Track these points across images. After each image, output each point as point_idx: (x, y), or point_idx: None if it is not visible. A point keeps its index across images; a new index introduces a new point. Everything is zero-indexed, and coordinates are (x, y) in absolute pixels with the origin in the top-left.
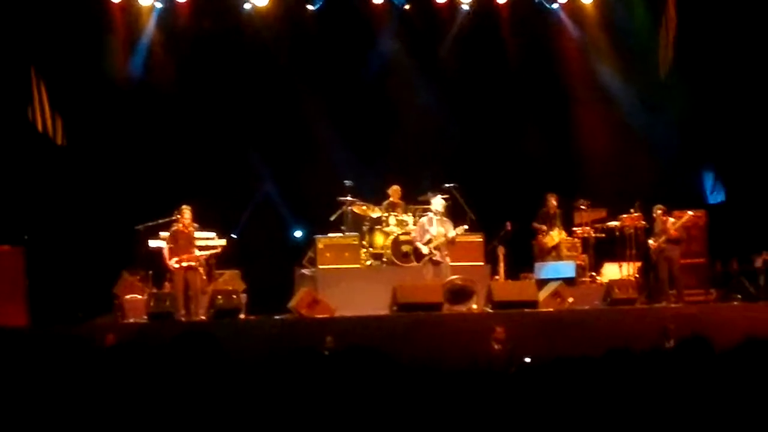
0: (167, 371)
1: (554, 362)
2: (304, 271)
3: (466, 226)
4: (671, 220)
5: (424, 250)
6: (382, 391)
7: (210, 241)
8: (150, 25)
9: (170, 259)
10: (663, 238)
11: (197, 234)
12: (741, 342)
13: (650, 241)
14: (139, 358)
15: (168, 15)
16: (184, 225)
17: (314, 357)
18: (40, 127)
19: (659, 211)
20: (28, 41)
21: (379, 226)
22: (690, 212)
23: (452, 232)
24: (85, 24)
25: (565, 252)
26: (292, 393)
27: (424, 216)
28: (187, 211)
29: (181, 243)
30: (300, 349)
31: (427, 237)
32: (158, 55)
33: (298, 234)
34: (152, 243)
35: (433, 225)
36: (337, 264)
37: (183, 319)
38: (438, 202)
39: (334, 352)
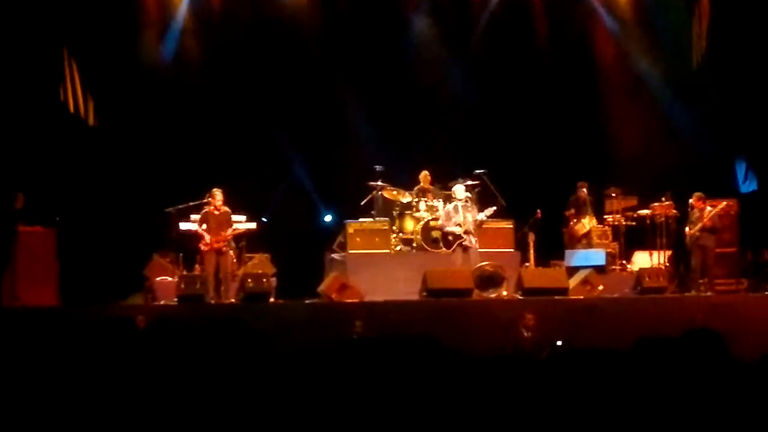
0: (199, 354)
1: (584, 351)
2: (334, 255)
3: (494, 208)
4: (709, 208)
5: (457, 230)
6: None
7: (240, 224)
8: (182, 7)
9: (206, 240)
10: (699, 225)
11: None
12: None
13: (686, 229)
14: (171, 339)
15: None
16: (215, 207)
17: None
18: (71, 108)
19: (696, 199)
20: (61, 22)
21: (409, 212)
22: (724, 201)
23: (481, 215)
24: (117, 5)
25: (595, 240)
26: (329, 379)
27: (450, 203)
28: (218, 194)
29: (212, 225)
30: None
31: (454, 223)
32: (190, 38)
33: (328, 218)
34: (183, 225)
35: (458, 212)
36: (367, 249)
37: (213, 301)
38: (461, 190)
39: (364, 337)
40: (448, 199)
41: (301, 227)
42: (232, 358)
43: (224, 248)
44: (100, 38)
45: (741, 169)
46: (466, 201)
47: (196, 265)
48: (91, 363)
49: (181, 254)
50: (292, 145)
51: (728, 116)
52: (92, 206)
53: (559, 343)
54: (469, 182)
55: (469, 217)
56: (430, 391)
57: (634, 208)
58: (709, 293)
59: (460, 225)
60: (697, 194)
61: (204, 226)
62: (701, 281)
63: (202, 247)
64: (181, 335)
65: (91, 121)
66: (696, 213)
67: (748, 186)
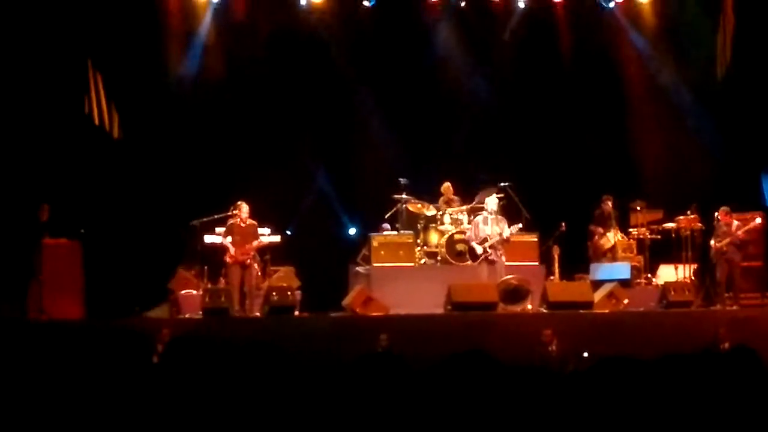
0: (224, 369)
1: (607, 363)
2: (359, 268)
3: (520, 225)
4: (736, 222)
5: (479, 249)
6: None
7: (265, 237)
8: (206, 19)
9: (231, 252)
10: (727, 240)
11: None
12: None
13: (712, 242)
14: (196, 353)
15: (224, 9)
16: (241, 219)
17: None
18: (96, 120)
19: (723, 213)
20: (85, 34)
21: (433, 225)
22: (756, 216)
23: (507, 231)
24: (141, 18)
25: (620, 253)
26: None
27: (479, 215)
28: (244, 206)
29: (237, 238)
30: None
31: (482, 236)
32: (214, 50)
33: (352, 231)
34: (208, 238)
35: (488, 224)
36: (391, 262)
37: (238, 315)
38: (492, 201)
39: (389, 350)
40: (473, 211)
41: (326, 240)
42: (255, 376)
43: (249, 261)
44: (124, 51)
45: (766, 183)
46: (495, 213)
47: (221, 278)
48: (113, 376)
49: (206, 267)
50: (316, 158)
51: (753, 129)
52: (117, 219)
53: (585, 354)
54: (496, 195)
55: (497, 229)
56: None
57: (659, 222)
58: (734, 307)
59: (486, 239)
60: (724, 208)
61: (229, 238)
62: (727, 295)
63: (228, 260)
64: (202, 350)
65: (115, 133)
66: (722, 227)
67: None
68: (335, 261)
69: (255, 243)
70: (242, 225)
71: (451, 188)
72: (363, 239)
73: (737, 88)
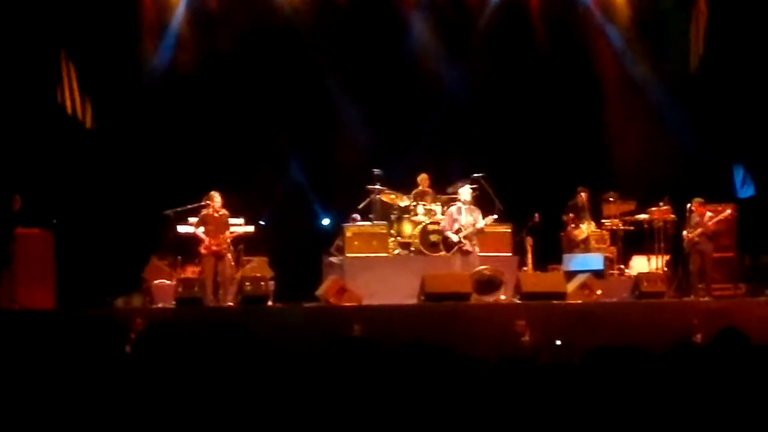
0: (197, 358)
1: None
2: (332, 259)
3: (495, 216)
4: (709, 213)
5: (454, 238)
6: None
7: (239, 227)
8: (180, 9)
9: (205, 243)
10: (699, 231)
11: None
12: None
13: (684, 233)
14: (169, 343)
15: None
16: (214, 209)
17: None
18: (69, 110)
19: (696, 204)
20: (58, 24)
21: (407, 215)
22: (727, 208)
23: (481, 222)
24: (115, 8)
25: (593, 244)
26: (329, 382)
27: (452, 205)
28: (217, 197)
29: (211, 228)
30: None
31: (456, 226)
32: (187, 40)
33: (325, 222)
34: (181, 228)
35: (462, 214)
36: (365, 252)
37: (211, 305)
38: (466, 192)
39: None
40: (447, 202)
41: (299, 230)
42: (228, 361)
43: (222, 251)
44: (97, 40)
45: (738, 174)
46: (469, 203)
47: (188, 267)
48: (85, 366)
49: (179, 257)
50: (290, 148)
51: (726, 120)
52: (90, 209)
53: (558, 342)
54: (468, 185)
55: (471, 219)
56: (434, 394)
57: (632, 213)
58: (707, 298)
59: (461, 230)
60: (698, 199)
61: (202, 228)
62: (699, 286)
63: (201, 250)
64: (176, 339)
65: (88, 123)
66: (696, 218)
67: (745, 191)
68: (309, 251)
69: (229, 233)
70: (215, 215)
71: (427, 180)
72: (337, 230)
73: (710, 81)
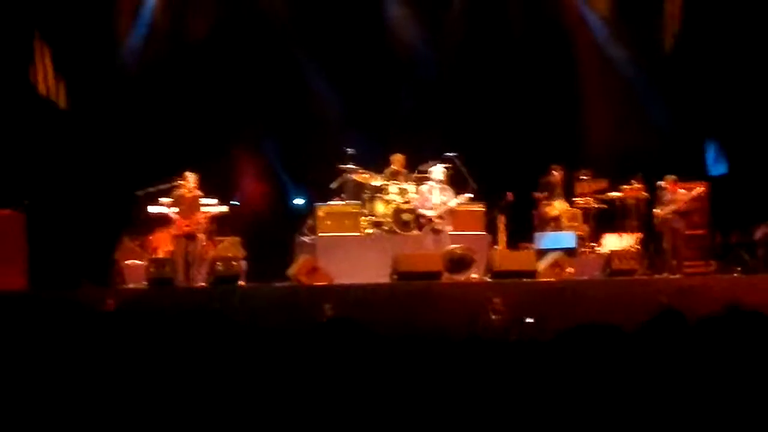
0: (169, 338)
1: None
2: (304, 238)
3: (470, 195)
4: (681, 191)
5: (429, 213)
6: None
7: (211, 207)
8: None
9: (177, 223)
10: (671, 207)
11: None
12: (721, 312)
13: (656, 210)
14: (140, 323)
15: None
16: (188, 189)
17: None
18: (42, 90)
19: (670, 182)
20: (33, 5)
21: (380, 195)
22: (699, 186)
23: (454, 201)
24: None
25: (565, 222)
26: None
27: (424, 184)
28: (190, 177)
29: (183, 208)
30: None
31: (429, 205)
32: (161, 20)
33: (298, 201)
34: (152, 209)
35: (433, 193)
36: (337, 232)
37: (182, 285)
38: (438, 171)
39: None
40: (420, 181)
41: (271, 210)
42: (200, 344)
43: (194, 231)
44: (71, 20)
45: (711, 152)
46: (442, 182)
47: (159, 248)
48: (56, 346)
49: (150, 237)
50: (263, 128)
51: (698, 99)
52: (62, 189)
53: (528, 320)
54: (442, 164)
55: (444, 198)
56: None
57: (605, 191)
58: (678, 275)
59: (433, 208)
60: (670, 177)
61: (174, 209)
62: (672, 263)
63: (173, 231)
64: (148, 320)
65: (62, 103)
66: (668, 195)
67: (717, 169)
68: (281, 231)
69: (202, 213)
70: (187, 195)
71: (402, 160)
72: (309, 209)
73: (683, 59)
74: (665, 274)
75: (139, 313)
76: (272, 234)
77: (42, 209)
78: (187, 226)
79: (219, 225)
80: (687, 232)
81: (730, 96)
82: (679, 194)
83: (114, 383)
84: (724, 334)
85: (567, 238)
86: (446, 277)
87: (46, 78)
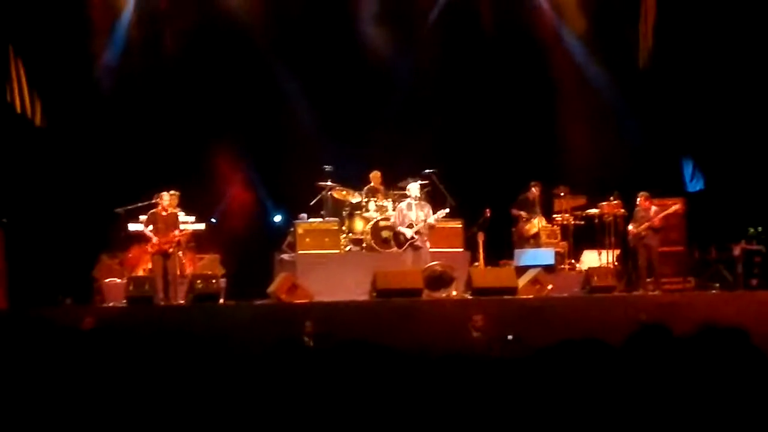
0: (149, 358)
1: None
2: (284, 256)
3: (446, 210)
4: (654, 208)
5: (407, 233)
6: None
7: (189, 225)
8: (129, 6)
9: (153, 241)
10: (645, 225)
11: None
12: (698, 330)
13: (630, 227)
14: (119, 342)
15: None
16: (163, 208)
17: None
18: (18, 107)
19: (642, 198)
20: (6, 21)
21: (358, 212)
22: (674, 203)
23: (432, 217)
24: (64, 5)
25: (544, 239)
26: (278, 384)
27: (403, 201)
28: (165, 195)
29: (160, 227)
30: (284, 341)
31: (407, 222)
32: (137, 38)
33: (277, 219)
34: (132, 226)
35: (412, 210)
36: (316, 249)
37: (162, 303)
38: (415, 188)
39: (315, 338)
40: (399, 198)
41: (251, 228)
42: (177, 365)
43: (172, 249)
44: (46, 37)
45: (688, 169)
46: (419, 199)
47: (139, 266)
48: (35, 365)
49: (129, 255)
50: (242, 146)
51: (675, 115)
52: (40, 207)
53: (510, 337)
54: (419, 182)
55: (422, 215)
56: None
57: (583, 208)
58: (656, 292)
59: (412, 225)
60: (643, 193)
61: (151, 227)
62: (648, 280)
63: (150, 249)
64: (126, 339)
65: (38, 121)
66: (641, 212)
67: (694, 185)
68: (260, 248)
69: (179, 231)
70: (163, 213)
71: (379, 177)
72: (288, 226)
73: (659, 76)
74: (641, 291)
75: (117, 331)
76: (252, 251)
77: (20, 227)
78: (165, 244)
79: (198, 242)
80: (665, 249)
81: (706, 113)
82: (653, 211)
83: (92, 402)
84: (700, 353)
85: (546, 255)
86: (426, 294)
87: (21, 95)
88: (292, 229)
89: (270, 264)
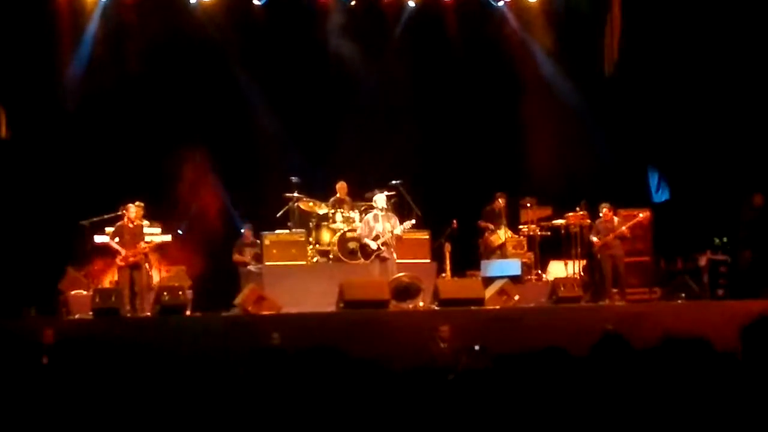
0: (117, 368)
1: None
2: (251, 267)
3: (413, 221)
4: (616, 219)
5: (372, 245)
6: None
7: (155, 236)
8: (95, 18)
9: (120, 253)
10: (610, 236)
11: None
12: (659, 341)
13: (593, 239)
14: (84, 354)
15: (113, 8)
16: (129, 219)
17: (272, 356)
18: None
19: (606, 209)
20: None
21: (325, 223)
22: (639, 213)
23: (399, 228)
24: (29, 16)
25: (510, 250)
26: (247, 390)
27: (369, 213)
28: (132, 207)
29: (126, 239)
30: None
31: (374, 233)
32: (103, 49)
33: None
34: (98, 239)
35: (378, 221)
36: (283, 261)
37: (129, 315)
38: (381, 199)
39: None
40: (365, 210)
41: (217, 239)
42: (146, 377)
43: (138, 261)
44: (10, 50)
45: (654, 179)
46: (386, 210)
47: (105, 278)
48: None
49: (95, 267)
50: (208, 156)
51: (641, 125)
52: (5, 219)
53: (476, 347)
54: (386, 193)
55: (388, 226)
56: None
57: (549, 218)
58: (622, 302)
59: (378, 236)
60: (606, 204)
61: (117, 239)
62: (614, 290)
63: (117, 261)
64: (90, 353)
65: (2, 133)
66: (604, 222)
67: (660, 195)
68: (227, 260)
69: (144, 243)
70: (130, 225)
71: (345, 188)
72: (255, 238)
73: (624, 86)
74: (606, 301)
75: (77, 343)
76: (219, 263)
77: None
78: (131, 256)
79: (164, 254)
80: (631, 259)
81: (672, 124)
82: (616, 221)
83: (58, 411)
84: (661, 363)
85: (512, 266)
86: (393, 305)
87: None
88: (259, 241)
89: (237, 275)
